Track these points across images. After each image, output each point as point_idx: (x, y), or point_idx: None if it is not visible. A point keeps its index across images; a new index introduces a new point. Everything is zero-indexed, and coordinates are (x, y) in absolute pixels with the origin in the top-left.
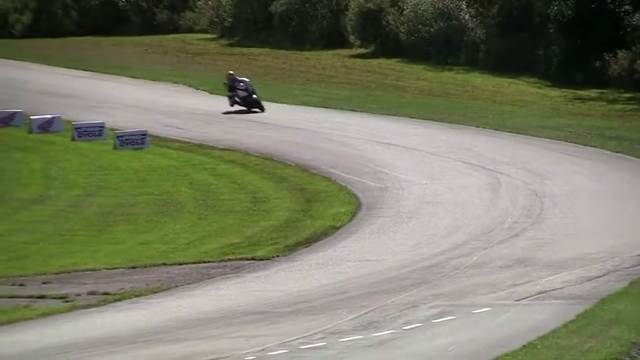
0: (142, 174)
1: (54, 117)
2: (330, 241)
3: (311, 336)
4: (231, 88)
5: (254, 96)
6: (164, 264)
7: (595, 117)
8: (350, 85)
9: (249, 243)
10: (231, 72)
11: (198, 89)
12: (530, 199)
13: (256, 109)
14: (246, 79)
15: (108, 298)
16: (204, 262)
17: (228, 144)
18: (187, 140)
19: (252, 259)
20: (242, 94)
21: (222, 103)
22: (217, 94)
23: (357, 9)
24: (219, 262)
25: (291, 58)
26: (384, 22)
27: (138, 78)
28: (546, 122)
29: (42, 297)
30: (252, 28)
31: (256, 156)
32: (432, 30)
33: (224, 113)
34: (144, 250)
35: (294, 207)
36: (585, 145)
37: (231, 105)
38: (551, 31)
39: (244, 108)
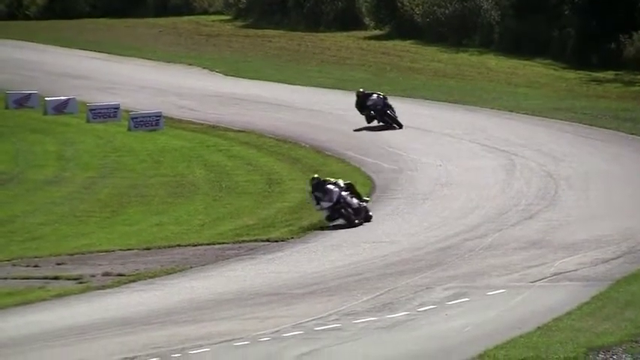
0: (157, 155)
1: (69, 98)
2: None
3: (325, 317)
4: (362, 107)
5: (388, 111)
6: (178, 245)
7: (610, 99)
8: (365, 66)
9: (263, 224)
10: (361, 90)
11: (212, 71)
12: (545, 180)
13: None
14: (378, 94)
15: (122, 280)
16: (218, 243)
17: (242, 126)
18: (202, 122)
19: (267, 240)
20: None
21: (236, 83)
22: (232, 75)
23: None
24: (233, 243)
25: (306, 39)
26: (398, 4)
27: (152, 60)
28: (561, 104)
29: (56, 278)
30: (266, 9)
31: (271, 138)
32: (447, 11)
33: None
34: (158, 231)
35: (308, 189)
36: (600, 127)
37: (368, 122)
38: (566, 12)
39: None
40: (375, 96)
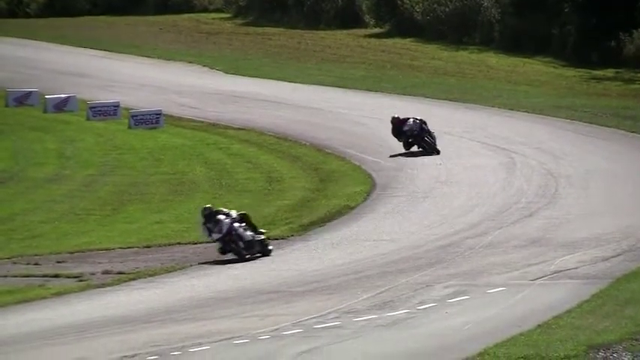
0: (157, 153)
1: (69, 96)
2: (345, 220)
3: (325, 315)
4: (399, 134)
5: (426, 137)
6: (179, 243)
7: (610, 97)
8: (365, 64)
9: (263, 222)
10: (396, 115)
11: (212, 69)
12: (545, 178)
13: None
14: (415, 119)
15: (122, 278)
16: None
17: (242, 123)
18: (202, 120)
19: (267, 238)
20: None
21: (236, 81)
22: (232, 73)
23: None
24: None
25: (306, 37)
26: (399, 2)
27: (152, 57)
28: (561, 102)
29: (56, 276)
30: (267, 7)
31: (271, 135)
32: (447, 9)
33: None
34: (158, 229)
35: (308, 186)
36: (601, 125)
37: (407, 149)
38: (566, 10)
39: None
40: (410, 121)
